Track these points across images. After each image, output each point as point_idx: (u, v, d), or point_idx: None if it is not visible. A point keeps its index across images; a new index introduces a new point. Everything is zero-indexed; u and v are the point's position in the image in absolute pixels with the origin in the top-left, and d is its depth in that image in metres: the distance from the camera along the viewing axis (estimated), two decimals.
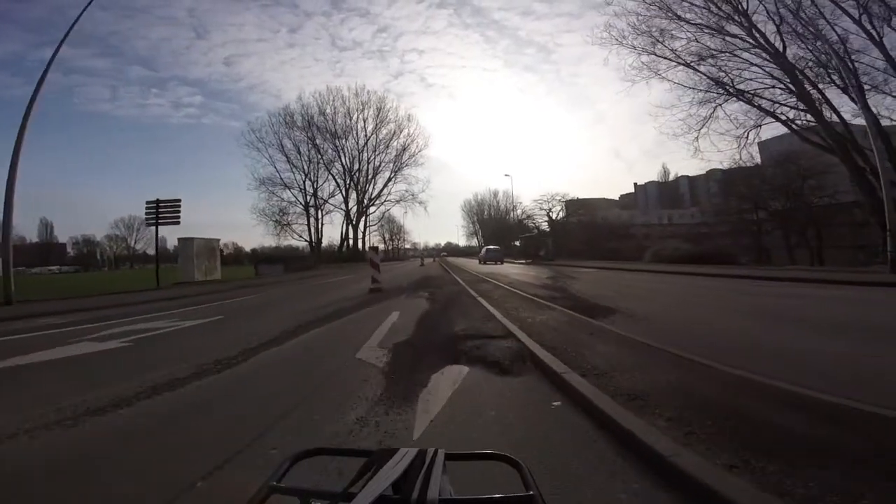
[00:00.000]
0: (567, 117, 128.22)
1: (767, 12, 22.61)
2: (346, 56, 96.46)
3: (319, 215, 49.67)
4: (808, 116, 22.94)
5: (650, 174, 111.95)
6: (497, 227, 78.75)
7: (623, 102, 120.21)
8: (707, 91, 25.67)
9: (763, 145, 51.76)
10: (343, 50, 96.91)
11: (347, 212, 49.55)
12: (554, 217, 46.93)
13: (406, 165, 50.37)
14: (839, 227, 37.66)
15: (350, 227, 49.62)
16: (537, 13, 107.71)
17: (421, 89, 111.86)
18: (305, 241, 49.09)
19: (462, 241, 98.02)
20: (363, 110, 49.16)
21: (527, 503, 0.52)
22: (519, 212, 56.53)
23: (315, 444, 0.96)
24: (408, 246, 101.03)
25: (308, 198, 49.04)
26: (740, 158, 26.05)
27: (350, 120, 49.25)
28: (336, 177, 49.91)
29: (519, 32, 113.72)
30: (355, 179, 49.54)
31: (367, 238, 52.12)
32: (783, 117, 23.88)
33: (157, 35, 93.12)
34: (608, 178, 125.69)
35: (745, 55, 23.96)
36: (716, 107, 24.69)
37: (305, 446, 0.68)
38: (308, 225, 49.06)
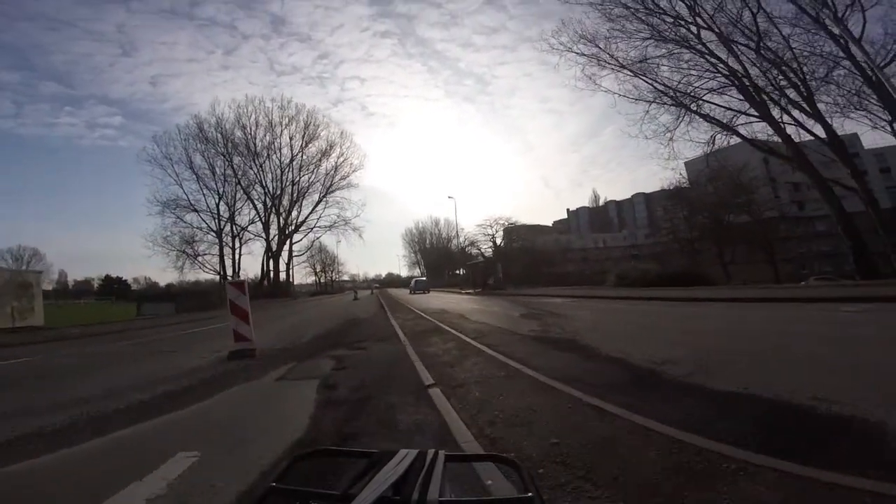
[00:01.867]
0: (502, 147, 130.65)
1: (713, 20, 21.03)
2: (283, 81, 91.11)
3: (237, 244, 42.28)
4: (770, 130, 21.27)
5: (576, 201, 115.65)
6: (439, 255, 74.86)
7: (550, 134, 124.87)
8: (654, 101, 23.70)
9: (689, 164, 52.81)
10: (281, 74, 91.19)
11: (268, 240, 42.64)
12: (498, 243, 43.71)
13: (338, 188, 44.77)
14: (761, 242, 37.73)
15: (270, 259, 42.60)
16: (476, 45, 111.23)
17: (361, 117, 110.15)
18: (217, 273, 41.24)
19: (404, 272, 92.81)
20: (289, 125, 43.27)
21: (525, 503, 0.51)
22: (461, 239, 52.99)
23: None
24: (345, 278, 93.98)
25: (222, 224, 41.62)
26: (701, 168, 23.73)
27: (273, 135, 43.10)
28: (256, 201, 43.04)
29: (459, 63, 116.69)
30: (276, 203, 42.95)
31: (290, 270, 45.23)
32: (743, 131, 22.13)
33: (80, 50, 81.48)
34: (540, 206, 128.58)
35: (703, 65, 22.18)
36: (680, 117, 22.47)
37: None
38: (221, 255, 41.44)
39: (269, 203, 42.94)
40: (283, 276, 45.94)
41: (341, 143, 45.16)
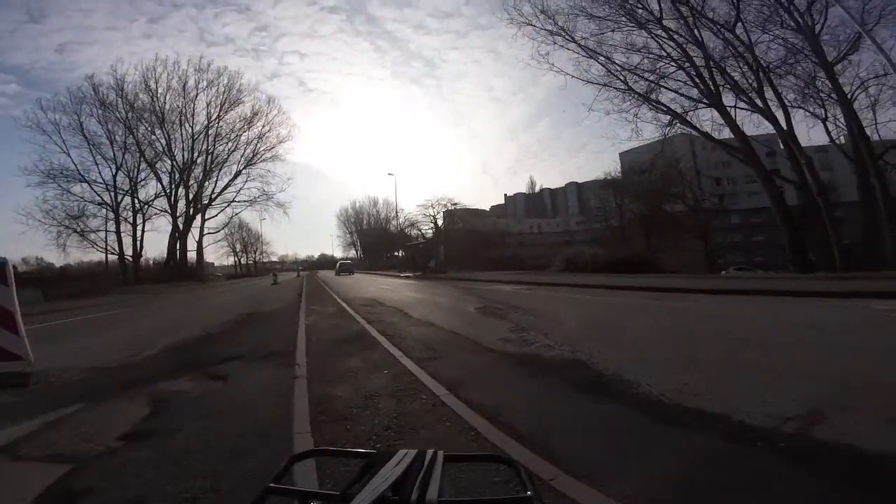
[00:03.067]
0: (446, 132, 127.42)
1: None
2: (213, 52, 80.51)
3: (139, 221, 35.46)
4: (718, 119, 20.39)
5: (512, 188, 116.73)
6: (377, 237, 70.63)
7: (492, 121, 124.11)
8: (606, 85, 22.13)
9: (624, 155, 53.41)
10: (211, 45, 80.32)
11: (174, 216, 36.27)
12: (440, 224, 41.15)
13: (262, 159, 39.06)
14: (695, 231, 38.83)
15: (177, 237, 36.30)
16: (428, 28, 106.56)
17: (299, 93, 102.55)
18: (113, 253, 34.42)
19: (338, 253, 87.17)
20: (207, 89, 36.59)
21: (525, 503, 0.50)
22: (401, 219, 49.69)
23: None
24: (275, 259, 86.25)
25: (120, 197, 34.59)
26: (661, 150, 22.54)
27: (187, 100, 36.25)
28: (161, 173, 36.29)
29: (409, 45, 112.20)
30: (186, 176, 36.49)
31: (201, 249, 39.01)
32: (693, 121, 21.14)
33: None
34: (478, 191, 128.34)
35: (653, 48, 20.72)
36: (627, 101, 20.97)
37: None
38: (118, 233, 34.54)
39: (176, 176, 36.38)
40: (195, 256, 39.83)
41: (268, 110, 39.31)
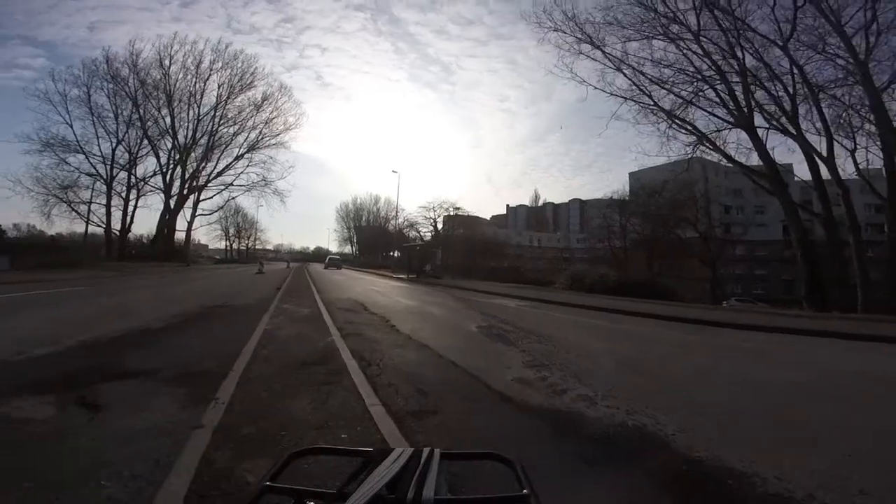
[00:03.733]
0: (455, 138, 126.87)
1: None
2: (238, 39, 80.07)
3: (132, 196, 33.93)
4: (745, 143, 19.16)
5: (514, 199, 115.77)
6: (375, 235, 69.08)
7: (501, 132, 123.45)
8: (630, 99, 20.98)
9: (634, 175, 52.30)
10: (237, 33, 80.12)
11: (167, 195, 34.69)
12: (439, 227, 39.80)
13: (267, 145, 37.58)
14: (704, 258, 37.50)
15: (168, 216, 34.70)
16: (449, 33, 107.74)
17: (315, 87, 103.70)
18: (99, 226, 32.83)
19: (334, 247, 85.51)
20: (222, 70, 35.24)
21: (521, 502, 0.50)
22: (401, 219, 48.26)
23: None
24: (269, 247, 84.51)
25: (115, 171, 33.09)
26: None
27: (199, 80, 34.88)
28: (160, 150, 34.83)
29: (428, 49, 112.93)
30: (185, 156, 34.95)
31: (190, 230, 37.34)
32: (719, 143, 19.91)
33: None
34: (480, 200, 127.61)
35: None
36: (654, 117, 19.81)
37: None
38: (108, 207, 32.95)
39: (175, 155, 34.87)
40: (185, 236, 38.23)
41: (278, 96, 37.90)
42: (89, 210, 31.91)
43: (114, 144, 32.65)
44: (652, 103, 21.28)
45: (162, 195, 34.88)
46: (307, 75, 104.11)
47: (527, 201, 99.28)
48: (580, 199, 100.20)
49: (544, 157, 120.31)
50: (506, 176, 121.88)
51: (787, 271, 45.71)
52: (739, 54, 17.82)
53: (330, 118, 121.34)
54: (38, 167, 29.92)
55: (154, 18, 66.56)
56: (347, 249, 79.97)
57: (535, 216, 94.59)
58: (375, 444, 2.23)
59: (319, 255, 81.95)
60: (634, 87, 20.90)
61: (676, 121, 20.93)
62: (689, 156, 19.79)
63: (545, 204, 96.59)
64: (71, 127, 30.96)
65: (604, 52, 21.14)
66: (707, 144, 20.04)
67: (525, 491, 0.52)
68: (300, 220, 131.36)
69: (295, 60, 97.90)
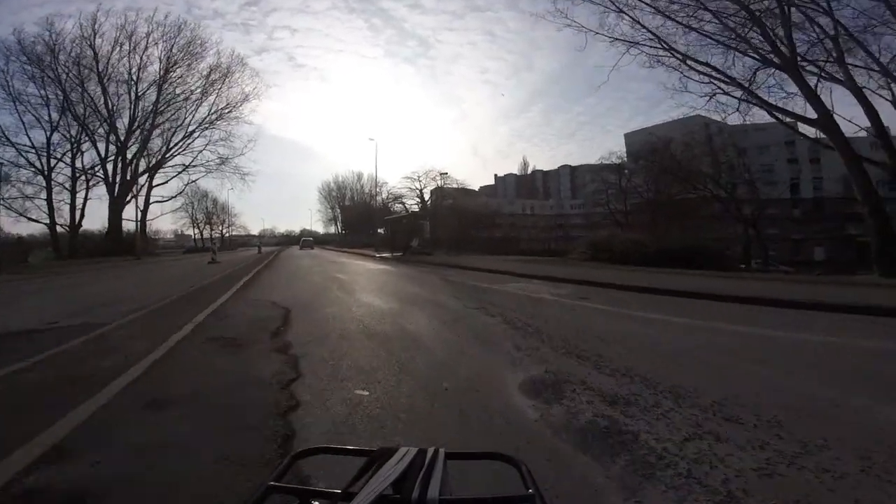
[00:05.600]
0: (437, 112, 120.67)
1: None
2: (202, 25, 72.11)
3: (78, 188, 29.25)
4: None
5: (502, 169, 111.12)
6: (360, 213, 64.60)
7: (485, 104, 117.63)
8: (637, 44, 17.07)
9: (629, 136, 48.02)
10: (200, 19, 73.41)
11: (111, 183, 29.96)
12: (426, 198, 35.82)
13: (220, 118, 32.62)
14: (700, 221, 34.16)
15: (113, 205, 30.02)
16: (424, 7, 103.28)
17: (288, 69, 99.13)
18: (39, 222, 28.30)
19: (319, 229, 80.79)
20: (161, 42, 29.78)
21: (527, 502, 0.50)
22: (385, 194, 44.02)
23: None
24: (254, 233, 79.65)
25: (52, 163, 28.26)
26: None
27: (133, 55, 29.40)
28: (96, 135, 29.77)
29: (404, 24, 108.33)
30: (127, 139, 30.00)
31: (144, 218, 32.70)
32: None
33: None
34: (468, 173, 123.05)
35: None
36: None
37: None
38: (49, 201, 28.29)
39: (115, 138, 29.81)
40: (148, 226, 33.79)
41: (229, 65, 32.47)
42: (51, 207, 27.77)
43: (48, 133, 27.87)
44: (664, 47, 17.41)
45: (108, 184, 30.11)
46: (278, 57, 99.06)
47: (515, 170, 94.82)
48: (570, 166, 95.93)
49: (528, 128, 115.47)
50: (492, 147, 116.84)
51: (797, 230, 42.99)
52: None
53: (307, 100, 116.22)
54: None
55: (102, 9, 58.97)
56: (332, 229, 75.56)
57: (524, 184, 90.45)
58: None
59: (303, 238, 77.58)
60: (640, 30, 17.05)
61: (699, 65, 17.10)
62: (702, 108, 16.05)
63: (534, 172, 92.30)
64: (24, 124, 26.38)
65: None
66: (736, 93, 16.28)
67: (530, 491, 0.51)
68: (287, 205, 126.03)
69: (264, 43, 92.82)
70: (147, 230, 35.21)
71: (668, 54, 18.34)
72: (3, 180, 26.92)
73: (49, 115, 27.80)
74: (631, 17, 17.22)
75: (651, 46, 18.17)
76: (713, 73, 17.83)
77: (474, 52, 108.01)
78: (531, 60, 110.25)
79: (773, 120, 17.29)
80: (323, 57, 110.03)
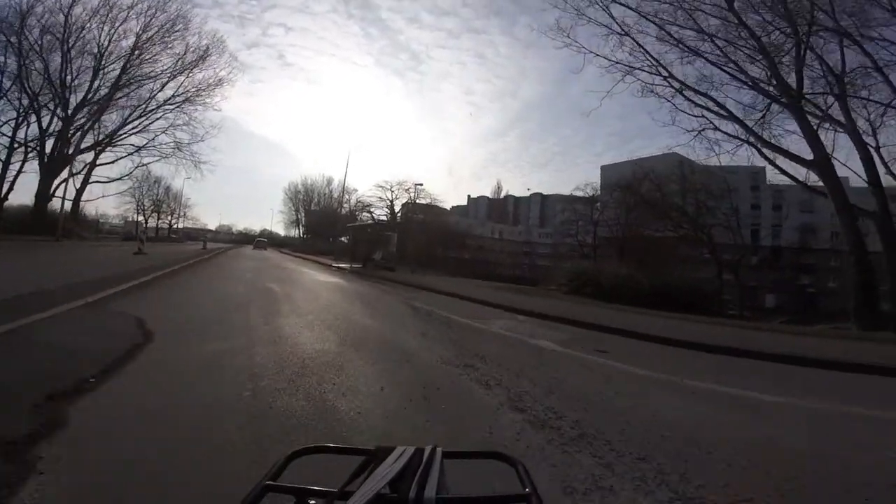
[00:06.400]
0: (419, 128, 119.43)
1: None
2: (196, 13, 68.67)
3: (20, 160, 24.81)
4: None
5: (474, 192, 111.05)
6: (325, 218, 61.25)
7: (465, 124, 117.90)
8: (638, 69, 16.49)
9: (605, 169, 48.31)
10: (197, 6, 69.65)
11: (47, 155, 25.73)
12: (397, 210, 33.68)
13: (190, 102, 29.02)
14: (671, 260, 34.01)
15: (41, 180, 25.64)
16: (421, 22, 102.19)
17: (276, 66, 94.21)
18: None
19: (281, 231, 76.12)
20: (143, 16, 26.19)
21: (524, 501, 0.50)
22: (353, 201, 41.48)
23: None
24: (211, 227, 73.90)
25: None
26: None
27: (107, 25, 25.66)
28: (45, 107, 25.61)
29: (399, 36, 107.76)
30: (74, 109, 25.94)
31: (78, 200, 28.25)
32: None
33: None
34: (440, 192, 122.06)
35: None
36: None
37: None
38: None
39: (63, 112, 25.73)
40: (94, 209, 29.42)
41: (207, 46, 29.13)
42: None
43: None
44: (664, 74, 16.82)
45: (41, 157, 25.76)
46: (269, 54, 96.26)
47: (488, 193, 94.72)
48: (541, 194, 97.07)
49: (503, 153, 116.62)
50: (467, 168, 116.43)
51: (753, 277, 44.13)
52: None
53: (289, 99, 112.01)
54: None
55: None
56: (294, 233, 71.37)
57: (496, 208, 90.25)
58: None
59: (268, 239, 73.16)
60: (639, 57, 16.50)
61: (696, 96, 16.52)
62: (686, 144, 15.49)
63: (507, 196, 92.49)
64: None
65: (610, 13, 16.43)
66: (727, 129, 15.76)
67: (527, 490, 0.50)
68: (249, 203, 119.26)
69: (256, 38, 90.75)
70: (84, 212, 30.73)
71: (665, 83, 17.67)
72: None
73: (0, 81, 23.59)
74: (634, 40, 16.43)
75: (649, 73, 17.44)
76: (709, 106, 17.21)
77: (463, 72, 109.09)
78: (517, 87, 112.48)
79: (745, 164, 17.08)
80: (314, 59, 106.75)
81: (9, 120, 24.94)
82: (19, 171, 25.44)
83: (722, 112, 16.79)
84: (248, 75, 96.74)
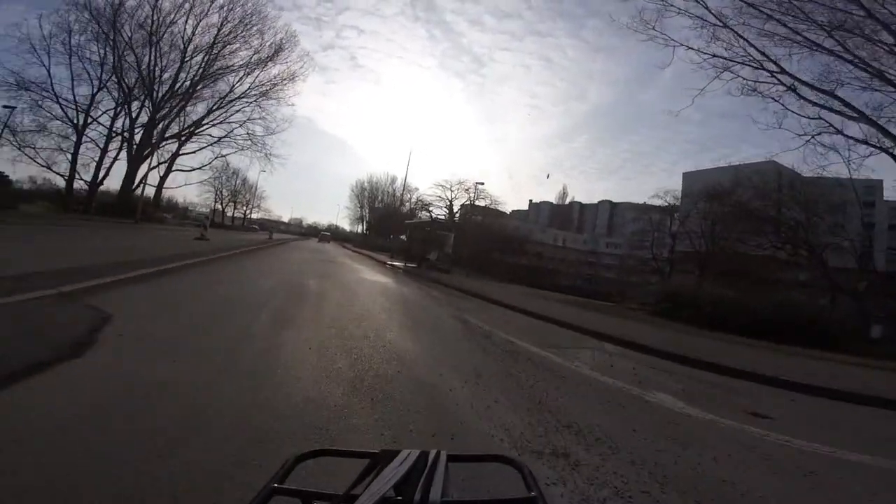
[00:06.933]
0: (479, 130, 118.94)
1: None
2: (281, 15, 75.80)
3: (111, 147, 27.26)
4: None
5: (536, 196, 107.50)
6: (387, 216, 62.00)
7: (527, 128, 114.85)
8: (741, 63, 13.76)
9: (687, 177, 43.37)
10: (279, 9, 76.22)
11: (128, 136, 27.77)
12: (456, 210, 32.48)
13: (266, 97, 30.16)
14: (760, 282, 29.02)
15: (128, 166, 27.74)
16: (485, 25, 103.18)
17: (348, 68, 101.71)
18: (60, 174, 26.24)
19: (346, 226, 78.68)
20: (224, 9, 27.85)
21: None
22: (413, 199, 41.00)
23: None
24: (285, 220, 78.62)
25: (82, 117, 26.21)
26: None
27: (190, 17, 27.55)
28: (136, 99, 27.77)
29: (462, 39, 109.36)
30: (159, 99, 27.81)
31: (161, 185, 30.33)
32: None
33: None
34: (500, 195, 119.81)
35: None
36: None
37: None
38: (74, 155, 26.11)
39: (150, 103, 27.76)
40: (169, 194, 31.83)
41: (281, 40, 30.08)
42: (75, 162, 25.55)
43: (94, 90, 25.97)
44: (772, 70, 13.92)
45: (129, 145, 28.01)
46: (342, 55, 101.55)
47: (552, 198, 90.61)
48: (610, 201, 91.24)
49: (568, 158, 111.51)
50: (526, 172, 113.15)
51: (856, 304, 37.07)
52: None
53: (358, 99, 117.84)
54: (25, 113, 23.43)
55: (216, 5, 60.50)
56: (359, 228, 73.25)
57: (560, 214, 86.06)
58: None
59: (333, 233, 76.39)
60: (738, 50, 13.77)
61: (814, 94, 13.45)
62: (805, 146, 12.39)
63: (573, 202, 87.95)
64: (47, 69, 23.98)
65: (705, 3, 13.90)
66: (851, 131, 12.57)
67: (532, 493, 0.50)
68: (318, 197, 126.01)
69: (331, 40, 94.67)
70: (167, 198, 33.15)
71: (773, 80, 14.58)
72: (40, 130, 25.11)
73: (101, 73, 26.01)
74: (734, 32, 13.72)
75: (753, 68, 14.47)
76: (831, 105, 13.88)
77: (526, 75, 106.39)
78: (584, 91, 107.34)
79: (860, 175, 13.79)
80: (383, 61, 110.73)
81: (107, 110, 27.26)
82: (115, 159, 27.69)
83: (850, 112, 13.43)
84: (324, 76, 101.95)
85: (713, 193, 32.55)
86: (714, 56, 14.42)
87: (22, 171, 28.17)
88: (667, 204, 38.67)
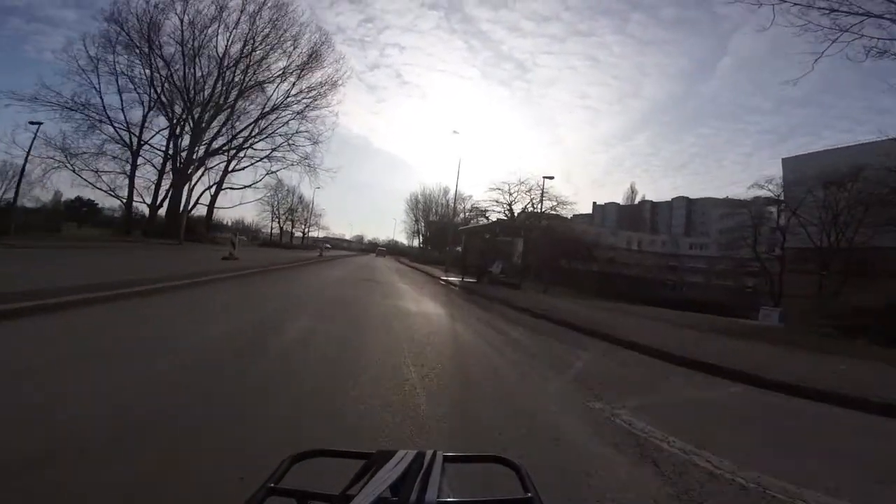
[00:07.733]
0: (529, 135, 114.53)
1: None
2: (314, 22, 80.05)
3: (168, 167, 27.62)
4: None
5: (599, 199, 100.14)
6: (441, 228, 59.89)
7: (582, 130, 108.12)
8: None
9: (787, 162, 36.01)
10: (325, 35, 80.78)
11: (172, 154, 27.40)
12: (515, 213, 28.86)
13: (312, 108, 29.08)
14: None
15: (173, 187, 27.44)
16: (523, 31, 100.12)
17: (395, 85, 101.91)
18: (115, 196, 26.78)
19: (404, 240, 78.06)
20: (256, 15, 27.46)
21: None
22: (468, 206, 37.99)
23: None
24: (347, 237, 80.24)
25: (132, 138, 26.74)
26: None
27: (220, 27, 27.47)
28: (170, 107, 27.59)
29: (501, 46, 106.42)
30: (205, 116, 27.48)
31: (212, 206, 29.90)
32: None
33: None
34: (567, 196, 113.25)
35: None
36: None
37: None
38: (131, 178, 26.61)
39: (191, 120, 27.66)
40: (217, 211, 31.72)
41: (316, 44, 28.96)
42: (132, 183, 26.44)
43: (145, 111, 26.46)
44: None
45: (174, 165, 28.09)
46: (388, 73, 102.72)
47: (618, 199, 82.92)
48: (686, 197, 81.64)
49: (629, 157, 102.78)
50: (586, 175, 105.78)
51: None
52: None
53: (406, 114, 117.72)
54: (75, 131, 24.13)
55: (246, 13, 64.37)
56: (416, 242, 71.90)
57: (629, 215, 78.25)
58: None
59: (389, 248, 76.51)
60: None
61: None
62: None
63: (643, 202, 79.84)
64: (98, 91, 24.71)
65: None
66: None
67: (529, 494, 0.50)
68: (377, 213, 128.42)
69: (376, 59, 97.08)
70: (229, 218, 33.10)
71: None
72: (80, 153, 25.72)
73: (150, 94, 26.36)
74: None
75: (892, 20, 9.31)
76: None
77: (574, 76, 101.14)
78: (638, 87, 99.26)
79: None
80: (425, 75, 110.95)
81: (160, 130, 27.35)
82: (160, 180, 27.58)
83: None
84: (373, 95, 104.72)
85: (830, 180, 25.82)
86: (837, 10, 9.39)
87: (113, 201, 28.85)
88: (771, 195, 31.69)
